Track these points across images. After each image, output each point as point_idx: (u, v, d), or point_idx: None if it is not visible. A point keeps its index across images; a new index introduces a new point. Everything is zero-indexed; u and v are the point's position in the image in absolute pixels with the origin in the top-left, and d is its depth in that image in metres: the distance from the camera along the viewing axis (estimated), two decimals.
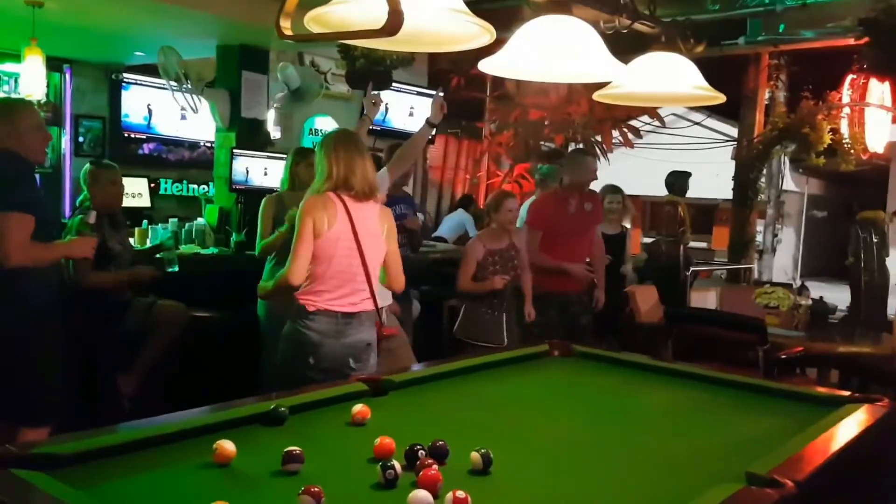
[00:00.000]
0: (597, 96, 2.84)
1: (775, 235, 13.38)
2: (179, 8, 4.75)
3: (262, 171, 5.54)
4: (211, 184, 7.16)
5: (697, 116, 12.69)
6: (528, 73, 2.51)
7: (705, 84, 2.64)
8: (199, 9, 4.81)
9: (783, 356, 4.15)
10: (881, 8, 4.35)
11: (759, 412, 2.55)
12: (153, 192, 6.71)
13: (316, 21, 1.95)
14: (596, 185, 5.15)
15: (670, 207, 7.38)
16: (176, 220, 5.39)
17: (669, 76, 2.61)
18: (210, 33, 5.36)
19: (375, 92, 4.33)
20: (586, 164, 4.93)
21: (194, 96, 5.23)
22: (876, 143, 8.44)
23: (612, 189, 5.67)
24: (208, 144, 7.28)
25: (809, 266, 17.09)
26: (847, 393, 2.63)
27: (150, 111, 6.92)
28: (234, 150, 5.44)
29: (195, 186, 7.24)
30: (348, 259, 2.97)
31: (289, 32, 1.75)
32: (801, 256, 17.43)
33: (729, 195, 9.55)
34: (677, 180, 7.49)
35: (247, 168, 5.48)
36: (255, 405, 2.24)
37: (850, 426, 2.21)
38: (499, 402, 2.59)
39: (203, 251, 5.02)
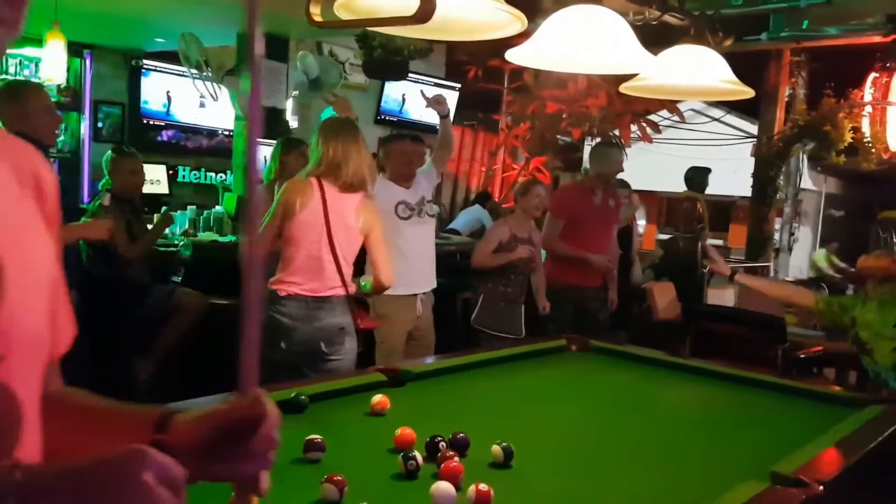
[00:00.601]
0: (624, 88, 2.81)
1: (792, 234, 13.27)
2: None
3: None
4: (229, 172, 7.19)
5: (717, 112, 12.56)
6: (556, 63, 2.48)
7: (734, 78, 2.61)
8: None
9: (802, 355, 4.11)
10: None
11: (780, 411, 2.53)
12: (171, 179, 6.72)
13: (345, 8, 1.93)
14: None
15: (689, 203, 7.33)
16: (194, 207, 5.40)
17: (698, 69, 2.58)
18: (231, 20, 5.34)
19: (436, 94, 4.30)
20: (612, 156, 4.90)
21: (215, 84, 5.22)
22: None
23: (620, 184, 5.63)
24: (226, 133, 7.29)
25: None
26: (869, 395, 2.60)
27: (169, 98, 6.93)
28: None
29: (213, 174, 7.24)
30: (318, 247, 2.98)
31: (319, 19, 1.73)
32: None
33: (747, 192, 9.50)
34: (696, 176, 7.44)
35: (265, 157, 5.45)
36: (275, 393, 2.23)
37: (875, 428, 2.18)
38: (517, 395, 2.58)
39: (221, 239, 5.03)
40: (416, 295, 3.99)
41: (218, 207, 5.57)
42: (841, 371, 4.61)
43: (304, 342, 2.97)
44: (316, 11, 1.74)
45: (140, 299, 4.07)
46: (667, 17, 2.97)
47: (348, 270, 3.05)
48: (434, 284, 4.15)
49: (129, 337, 4.08)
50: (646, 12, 2.90)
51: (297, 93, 5.92)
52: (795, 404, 2.58)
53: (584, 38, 2.15)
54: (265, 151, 5.54)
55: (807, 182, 16.46)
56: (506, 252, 4.35)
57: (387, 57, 5.07)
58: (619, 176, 5.87)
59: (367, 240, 3.08)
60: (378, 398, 2.21)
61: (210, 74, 5.25)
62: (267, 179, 4.17)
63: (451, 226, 8.02)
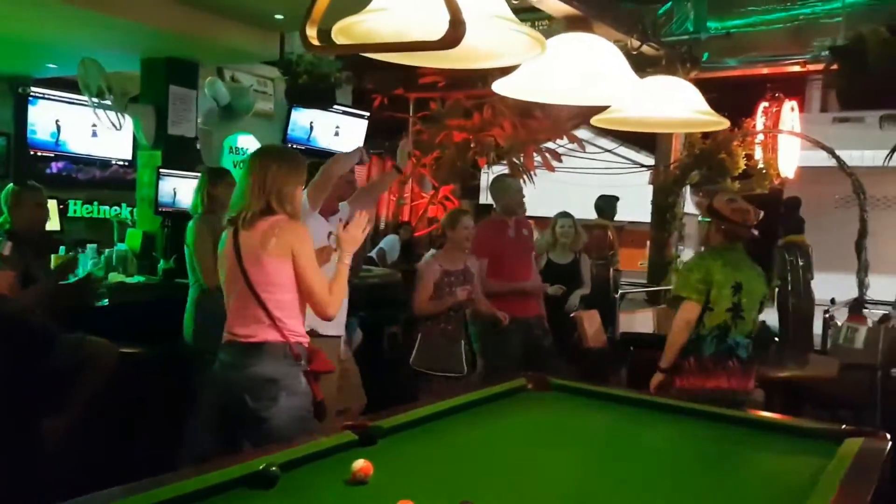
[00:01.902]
0: (596, 121, 2.73)
1: (677, 256, 13.82)
2: (100, 15, 4.34)
3: (191, 191, 5.18)
4: (124, 205, 6.72)
5: (609, 144, 12.95)
6: (547, 95, 2.35)
7: (708, 108, 2.58)
8: (123, 16, 4.42)
9: None
10: (851, 36, 4.44)
11: (762, 448, 2.48)
12: (62, 213, 6.20)
13: (344, 33, 1.73)
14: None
15: (600, 231, 7.43)
16: (94, 245, 4.96)
17: (673, 100, 2.53)
18: (133, 45, 4.98)
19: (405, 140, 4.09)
20: (512, 187, 4.93)
21: (117, 113, 4.83)
22: (787, 168, 8.80)
23: (563, 214, 5.61)
24: (121, 163, 6.83)
25: None
26: (842, 426, 2.59)
27: (58, 127, 6.40)
28: (161, 170, 5.06)
29: (107, 208, 6.74)
30: (235, 284, 2.72)
31: (315, 42, 1.52)
32: None
33: (636, 217, 9.76)
34: (606, 204, 7.58)
35: (174, 189, 5.11)
36: (236, 466, 1.97)
37: (867, 468, 2.15)
38: (497, 446, 2.42)
39: (129, 280, 4.62)
40: (339, 336, 3.76)
41: (121, 245, 5.14)
42: (769, 396, 4.70)
43: (229, 393, 2.69)
44: (312, 34, 1.53)
45: (45, 351, 3.64)
46: (645, 48, 2.93)
47: (284, 311, 2.69)
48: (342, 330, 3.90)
49: (33, 394, 3.63)
50: (628, 42, 2.84)
51: (201, 120, 5.59)
52: (775, 441, 2.54)
53: (581, 69, 2.04)
54: (174, 182, 5.18)
55: (690, 207, 17.21)
56: (445, 295, 4.19)
57: (314, 84, 4.84)
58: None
59: (295, 262, 2.67)
60: (360, 464, 1.99)
61: (111, 102, 4.85)
62: (194, 212, 3.92)
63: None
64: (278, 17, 4.64)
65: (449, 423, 2.58)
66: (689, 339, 3.48)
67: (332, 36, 1.74)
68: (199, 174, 5.22)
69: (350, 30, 1.68)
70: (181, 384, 3.99)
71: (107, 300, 4.04)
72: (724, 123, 2.72)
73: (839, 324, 7.50)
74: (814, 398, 5.07)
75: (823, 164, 9.88)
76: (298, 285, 2.67)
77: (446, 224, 4.41)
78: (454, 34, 1.30)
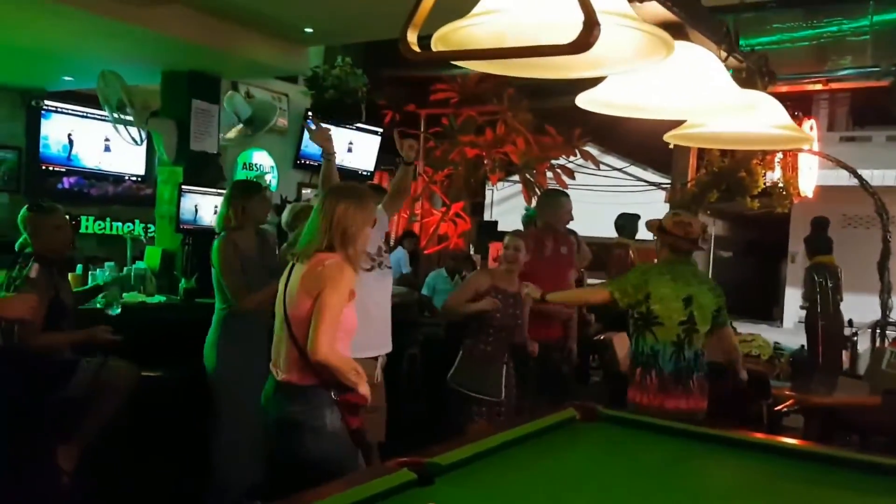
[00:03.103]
0: (670, 137, 2.60)
1: None
2: (120, 25, 4.19)
3: (213, 209, 5.04)
4: (138, 221, 6.57)
5: (619, 164, 12.88)
6: (636, 109, 2.19)
7: (790, 122, 2.43)
8: (144, 26, 4.27)
9: (783, 409, 4.00)
10: None
11: (845, 486, 2.32)
12: (73, 230, 6.03)
13: (443, 41, 1.56)
14: None
15: (621, 250, 7.29)
16: (113, 263, 4.80)
17: (755, 116, 2.39)
18: (155, 57, 4.85)
19: (326, 125, 3.89)
20: (561, 205, 4.77)
21: (138, 127, 4.69)
22: (807, 186, 8.71)
23: (567, 232, 5.47)
24: (134, 178, 6.70)
25: None
26: None
27: (70, 141, 6.27)
28: (182, 187, 4.92)
29: (119, 224, 6.59)
30: (280, 319, 2.69)
31: (416, 49, 1.36)
32: None
33: (643, 235, 9.63)
34: (627, 223, 7.44)
35: (196, 206, 4.97)
36: None
37: None
38: (551, 484, 2.27)
39: (149, 300, 4.47)
40: (376, 358, 3.60)
41: (140, 263, 4.98)
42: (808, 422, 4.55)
43: (273, 431, 2.66)
44: (413, 40, 1.36)
45: (66, 377, 3.48)
46: (731, 59, 2.80)
47: (315, 350, 2.55)
48: (391, 346, 3.75)
49: (52, 421, 3.47)
50: (719, 52, 2.69)
51: (230, 135, 5.45)
52: (851, 478, 2.38)
53: (676, 80, 1.90)
54: (196, 199, 5.04)
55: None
56: (486, 302, 4.01)
57: (340, 99, 4.72)
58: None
59: (317, 301, 2.55)
60: None
61: (131, 116, 4.71)
62: (221, 228, 3.71)
63: None
64: (308, 30, 4.51)
65: (504, 460, 2.43)
66: (646, 353, 3.53)
67: (432, 45, 1.58)
68: (222, 191, 5.11)
69: (451, 37, 1.52)
70: (204, 408, 3.83)
71: (118, 309, 3.86)
72: (807, 139, 2.59)
73: (858, 347, 7.41)
74: (849, 424, 4.92)
75: (830, 184, 9.82)
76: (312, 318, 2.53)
77: (506, 244, 4.23)
78: (587, 37, 1.16)
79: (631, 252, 7.30)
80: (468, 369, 4.03)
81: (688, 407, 3.45)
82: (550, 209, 4.74)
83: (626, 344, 5.27)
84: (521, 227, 6.39)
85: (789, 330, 14.54)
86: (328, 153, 3.52)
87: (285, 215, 4.11)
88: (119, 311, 3.90)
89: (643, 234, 7.58)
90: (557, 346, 4.62)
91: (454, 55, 1.48)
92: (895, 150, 15.24)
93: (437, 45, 1.53)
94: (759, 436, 2.73)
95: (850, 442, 5.09)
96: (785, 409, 4.03)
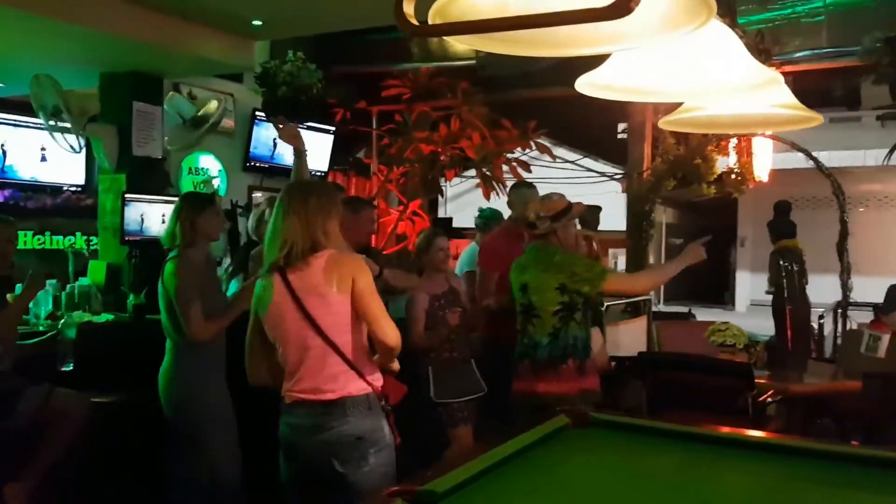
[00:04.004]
0: (665, 123, 2.44)
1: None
2: (54, 23, 3.86)
3: (160, 218, 4.74)
4: (79, 234, 6.20)
5: (572, 156, 12.85)
6: (642, 92, 2.01)
7: (795, 101, 2.28)
8: (80, 24, 3.94)
9: (769, 399, 3.91)
10: None
11: (870, 489, 2.18)
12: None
13: (440, 15, 1.35)
14: None
15: (584, 242, 7.16)
16: (54, 281, 4.47)
17: (758, 96, 2.23)
18: (92, 57, 4.52)
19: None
20: (533, 197, 4.62)
21: (76, 134, 4.37)
22: (762, 171, 8.73)
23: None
24: (73, 189, 6.31)
25: (673, 291, 17.76)
26: None
27: (3, 152, 5.86)
28: (126, 196, 4.61)
29: (60, 238, 6.20)
30: (301, 333, 2.41)
31: (413, 22, 1.14)
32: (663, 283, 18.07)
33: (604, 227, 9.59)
34: (589, 215, 7.30)
35: (141, 215, 4.67)
36: None
37: None
38: (563, 499, 2.10)
39: (96, 319, 4.16)
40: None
41: (83, 279, 4.65)
42: (791, 410, 4.48)
43: (310, 459, 2.40)
44: (409, 12, 1.15)
45: (7, 407, 3.18)
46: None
47: (358, 354, 2.44)
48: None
49: None
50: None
51: (167, 138, 5.14)
52: (868, 476, 2.25)
53: (689, 57, 1.71)
54: (141, 208, 4.74)
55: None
56: (439, 323, 3.94)
57: (294, 96, 4.46)
58: None
59: (356, 295, 2.42)
60: None
61: (69, 123, 4.38)
62: (168, 243, 3.39)
63: None
64: (256, 23, 4.25)
65: (502, 480, 2.24)
66: (522, 342, 3.53)
67: (429, 20, 1.36)
68: (168, 198, 4.81)
69: (449, 9, 1.30)
70: (161, 436, 3.56)
71: (72, 364, 3.58)
72: (816, 119, 2.45)
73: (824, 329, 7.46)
74: (829, 410, 4.88)
75: (779, 167, 9.92)
76: (365, 318, 2.44)
77: (420, 247, 4.21)
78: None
79: (594, 243, 7.18)
80: (446, 380, 3.94)
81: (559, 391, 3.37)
82: (524, 202, 4.58)
83: (597, 340, 5.16)
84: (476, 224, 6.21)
85: (741, 313, 14.76)
86: (299, 150, 3.37)
87: (252, 220, 3.86)
88: (71, 367, 3.63)
89: (605, 224, 7.51)
90: None
91: (460, 28, 1.27)
92: (839, 131, 15.57)
93: (434, 19, 1.33)
94: (755, 434, 2.59)
95: (823, 425, 5.07)
96: (769, 400, 3.93)
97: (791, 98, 2.31)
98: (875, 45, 4.46)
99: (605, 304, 7.62)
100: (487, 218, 5.09)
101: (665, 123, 2.55)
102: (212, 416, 3.33)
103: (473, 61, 8.73)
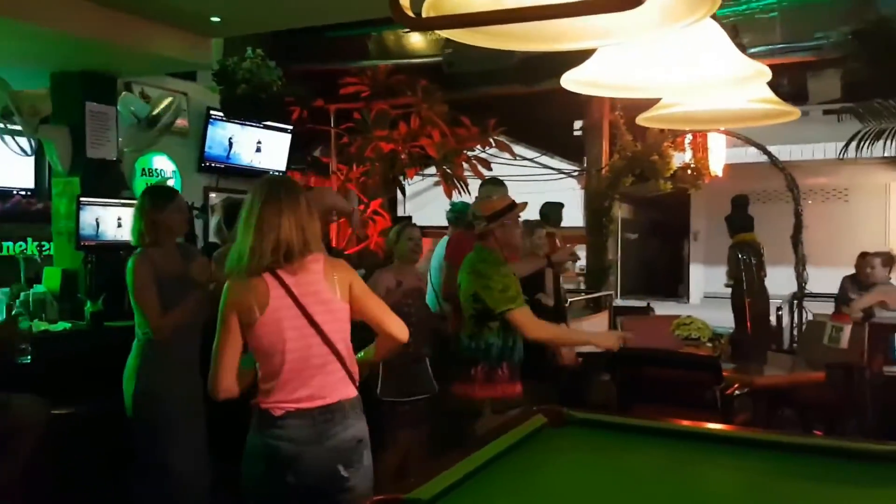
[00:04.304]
0: (643, 120, 2.42)
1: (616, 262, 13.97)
2: (2, 20, 3.70)
3: (116, 222, 4.60)
4: (30, 239, 6.00)
5: (529, 154, 12.90)
6: (631, 88, 1.98)
7: (772, 95, 2.28)
8: (30, 21, 3.78)
9: (736, 392, 3.95)
10: (873, 20, 4.31)
11: (846, 481, 2.19)
12: None
13: (434, 9, 1.29)
14: None
15: (547, 240, 7.18)
16: (7, 289, 4.30)
17: (741, 91, 2.22)
18: (43, 56, 4.35)
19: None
20: (501, 194, 4.59)
21: (27, 136, 4.20)
22: (716, 166, 8.88)
23: (538, 224, 5.34)
24: (23, 193, 6.11)
25: (629, 286, 17.98)
26: None
27: None
28: (81, 199, 4.45)
29: (10, 244, 5.99)
30: (304, 341, 2.32)
31: (409, 14, 1.09)
32: (619, 277, 18.26)
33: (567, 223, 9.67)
34: (551, 211, 7.34)
35: (97, 219, 4.52)
36: None
37: None
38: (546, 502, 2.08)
39: (53, 328, 4.01)
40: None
41: (38, 286, 4.49)
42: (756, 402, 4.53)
43: (317, 469, 2.30)
44: (405, 3, 1.10)
45: None
46: None
47: (350, 358, 2.40)
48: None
49: None
50: None
51: (121, 139, 4.98)
52: (866, 472, 2.25)
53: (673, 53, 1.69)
54: (97, 212, 4.58)
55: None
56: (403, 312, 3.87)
57: (254, 94, 4.35)
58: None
59: (354, 299, 2.40)
60: None
61: (20, 125, 4.21)
62: (136, 241, 3.31)
63: None
64: (215, 19, 4.13)
65: (485, 484, 2.20)
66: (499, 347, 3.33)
67: (423, 14, 1.31)
68: (126, 201, 4.67)
69: (444, 3, 1.25)
70: (125, 447, 3.44)
71: (30, 356, 3.44)
72: (793, 113, 2.45)
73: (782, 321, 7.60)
74: (792, 401, 4.96)
75: (733, 161, 10.10)
76: (371, 320, 2.45)
77: (391, 239, 4.21)
78: None
79: (557, 240, 7.21)
80: (396, 377, 3.90)
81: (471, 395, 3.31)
82: (490, 200, 4.55)
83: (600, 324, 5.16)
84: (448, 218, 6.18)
85: (696, 305, 14.96)
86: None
87: (215, 223, 3.75)
88: (29, 359, 3.50)
89: (567, 221, 7.54)
90: None
91: (461, 20, 1.22)
92: (788, 125, 15.86)
93: (428, 12, 1.27)
94: (733, 429, 2.60)
95: (783, 416, 5.15)
96: (736, 392, 3.97)
97: (768, 92, 2.32)
98: (845, 38, 4.52)
99: (569, 300, 7.68)
100: (459, 212, 5.06)
101: (643, 120, 2.54)
102: (175, 417, 3.23)
103: (432, 59, 8.70)
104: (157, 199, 3.32)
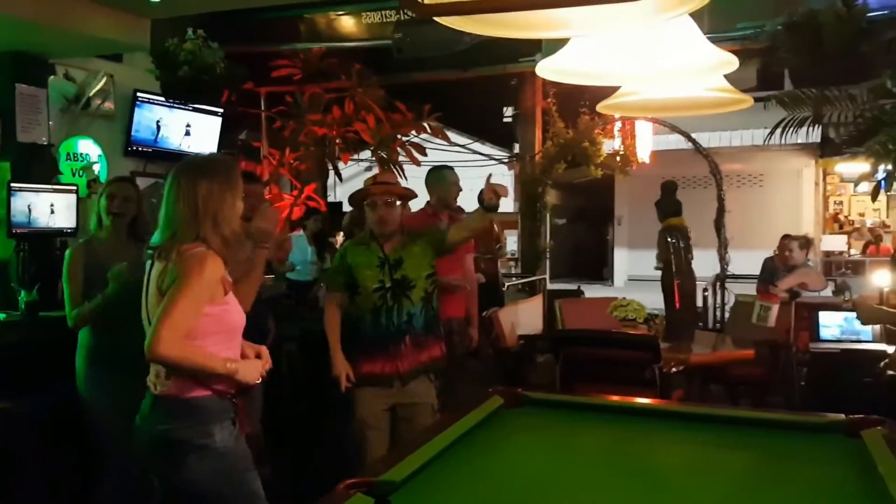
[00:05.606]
0: (603, 107, 2.48)
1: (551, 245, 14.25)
2: None
3: (49, 208, 4.44)
4: None
5: (462, 140, 12.95)
6: (606, 76, 2.02)
7: (725, 84, 2.38)
8: None
9: (675, 370, 4.13)
10: (802, 13, 4.48)
11: (784, 452, 2.34)
12: None
13: None
14: None
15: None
16: None
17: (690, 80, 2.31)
18: None
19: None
20: (450, 178, 4.61)
21: None
22: (644, 153, 9.15)
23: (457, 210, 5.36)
24: None
25: (557, 269, 18.34)
26: (841, 416, 2.52)
27: None
28: (12, 185, 4.27)
29: None
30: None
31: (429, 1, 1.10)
32: (548, 261, 18.60)
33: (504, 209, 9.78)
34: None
35: (29, 206, 4.35)
36: None
37: None
38: (514, 481, 2.16)
39: None
40: None
41: None
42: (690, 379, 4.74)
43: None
44: None
45: None
46: None
47: None
48: None
49: None
50: None
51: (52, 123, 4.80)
52: (794, 440, 2.41)
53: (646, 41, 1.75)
54: (29, 198, 4.41)
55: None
56: None
57: (196, 76, 4.24)
58: None
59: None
60: None
61: None
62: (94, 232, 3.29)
63: None
64: (153, 0, 4.02)
65: (451, 465, 2.26)
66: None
67: None
68: (59, 186, 4.52)
69: None
70: (69, 443, 3.35)
71: None
72: (745, 101, 2.55)
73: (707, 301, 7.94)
74: (722, 377, 5.20)
75: (660, 149, 10.44)
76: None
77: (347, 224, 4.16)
78: None
79: (496, 226, 7.33)
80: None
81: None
82: (441, 185, 4.56)
83: (510, 319, 5.28)
84: None
85: (620, 288, 15.37)
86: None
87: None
88: None
89: (504, 206, 7.65)
90: (458, 327, 4.46)
91: (471, 7, 1.24)
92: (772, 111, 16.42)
93: None
94: (687, 406, 2.74)
95: (714, 392, 5.40)
96: (674, 369, 4.14)
97: (723, 81, 2.43)
98: (777, 29, 4.72)
99: (506, 284, 7.82)
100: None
101: (602, 108, 2.62)
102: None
103: (366, 42, 8.65)
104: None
